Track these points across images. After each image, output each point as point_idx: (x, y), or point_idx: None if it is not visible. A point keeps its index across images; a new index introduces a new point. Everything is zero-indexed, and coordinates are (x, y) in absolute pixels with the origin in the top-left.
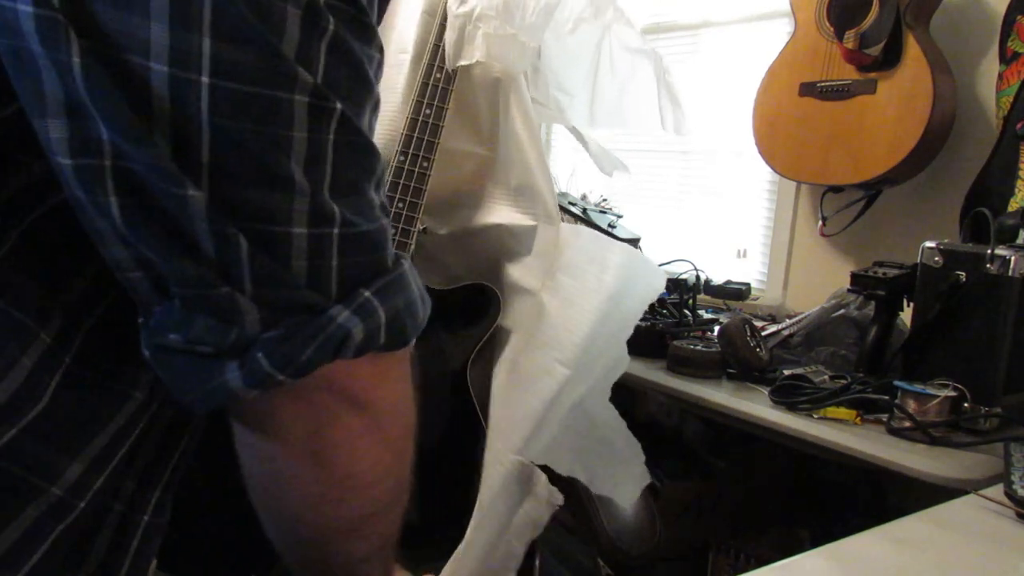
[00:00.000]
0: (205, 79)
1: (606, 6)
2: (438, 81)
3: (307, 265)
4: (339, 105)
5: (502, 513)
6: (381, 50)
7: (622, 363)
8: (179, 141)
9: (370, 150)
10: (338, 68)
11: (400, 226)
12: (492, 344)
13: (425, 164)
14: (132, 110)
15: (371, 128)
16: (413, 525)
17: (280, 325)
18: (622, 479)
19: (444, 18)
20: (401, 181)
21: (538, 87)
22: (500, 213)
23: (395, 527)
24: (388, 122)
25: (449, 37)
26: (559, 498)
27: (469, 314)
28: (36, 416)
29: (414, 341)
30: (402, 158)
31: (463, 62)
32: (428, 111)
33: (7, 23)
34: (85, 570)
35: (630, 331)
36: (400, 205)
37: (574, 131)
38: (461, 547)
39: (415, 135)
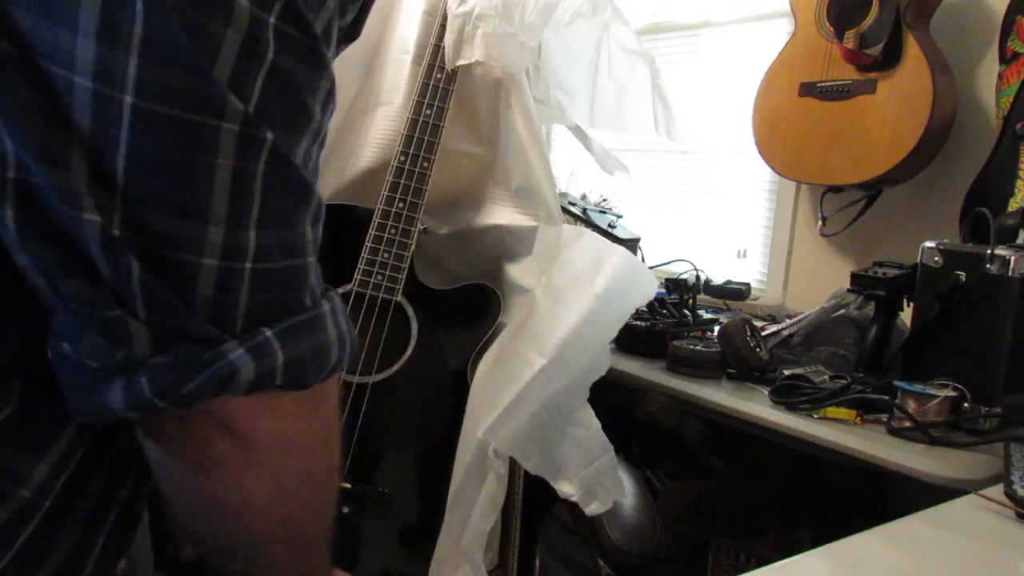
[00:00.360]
0: (128, 98)
1: (604, 4)
2: (439, 81)
3: (212, 296)
4: (270, 135)
5: (471, 494)
6: (332, 80)
7: (603, 364)
8: (95, 158)
9: (303, 183)
10: (276, 98)
11: (400, 226)
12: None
13: (426, 164)
14: (47, 125)
15: (309, 160)
16: (417, 525)
17: (170, 352)
18: (593, 487)
19: (444, 19)
20: (401, 181)
21: (539, 87)
22: (501, 214)
23: (297, 558)
24: (389, 122)
25: (448, 37)
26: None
27: (469, 314)
28: (4, 421)
29: (335, 381)
30: (402, 158)
31: (462, 62)
32: (428, 111)
33: None
34: (48, 568)
35: (614, 333)
36: (400, 205)
37: (576, 131)
38: (442, 530)
39: (415, 135)
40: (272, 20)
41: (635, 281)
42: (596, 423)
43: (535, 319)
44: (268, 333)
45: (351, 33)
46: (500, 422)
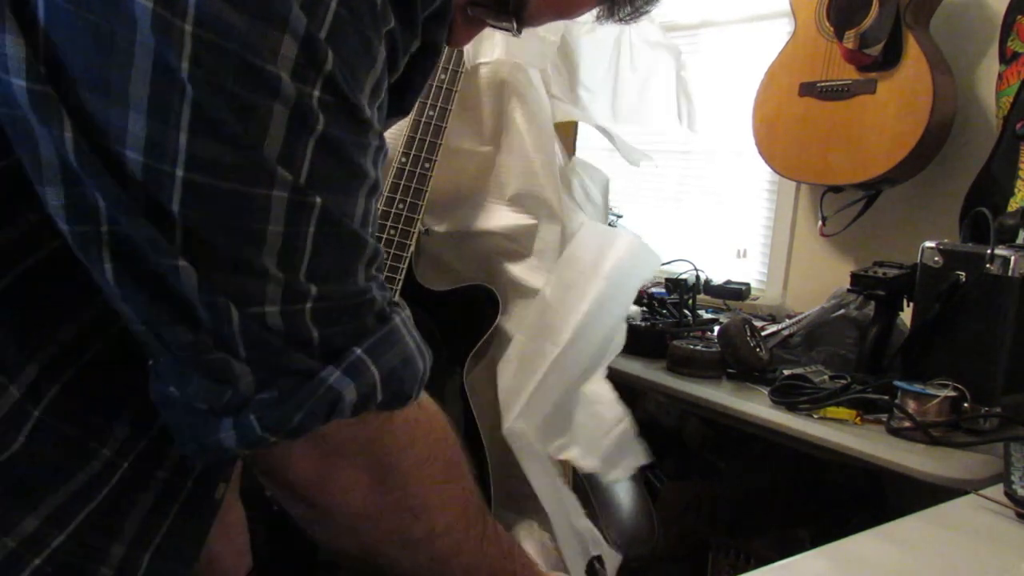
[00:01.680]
0: (180, 172)
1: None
2: (442, 82)
3: (285, 335)
4: (319, 200)
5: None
6: (380, 135)
7: (618, 343)
8: (157, 224)
9: (356, 238)
10: (326, 163)
11: (400, 227)
12: (490, 345)
13: (427, 165)
14: (119, 186)
15: (369, 215)
16: None
17: (274, 387)
18: (614, 460)
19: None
20: (402, 182)
21: (560, 84)
22: (502, 214)
23: (448, 542)
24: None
25: None
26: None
27: (468, 316)
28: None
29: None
30: (403, 159)
31: (482, 60)
32: (432, 112)
33: (4, 94)
34: (127, 529)
35: (627, 311)
36: (400, 206)
37: (598, 126)
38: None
39: (417, 136)
40: (316, 93)
41: (640, 258)
42: (610, 394)
43: (547, 315)
44: (359, 352)
45: (403, 107)
46: (522, 415)
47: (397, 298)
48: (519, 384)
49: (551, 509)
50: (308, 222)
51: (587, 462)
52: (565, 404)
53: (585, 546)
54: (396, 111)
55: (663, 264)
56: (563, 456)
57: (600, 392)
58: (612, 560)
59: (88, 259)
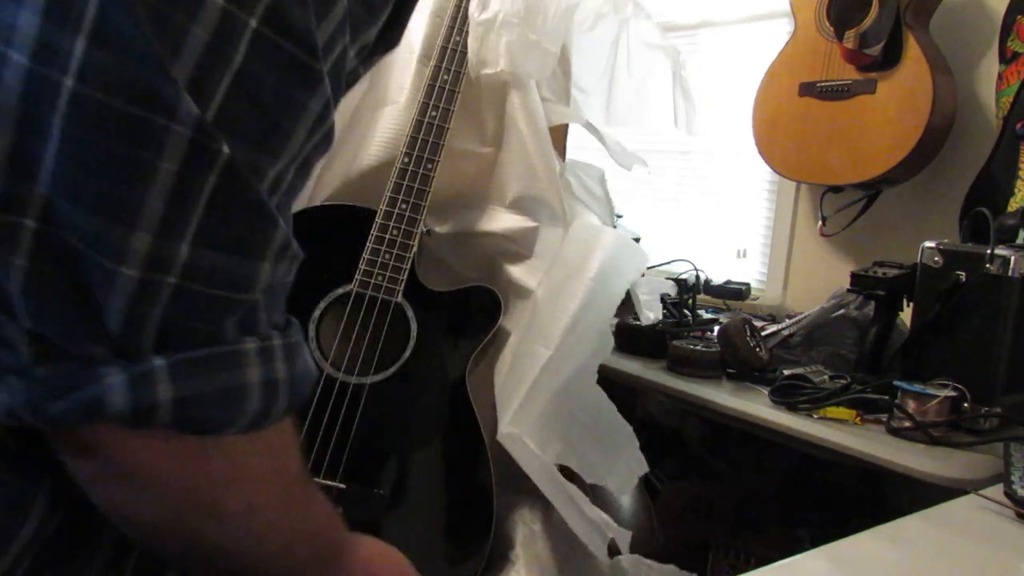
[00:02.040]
0: (69, 82)
1: (624, 2)
2: (444, 83)
3: (117, 308)
4: (226, 150)
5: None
6: (326, 103)
7: (606, 345)
8: (17, 144)
9: (264, 212)
10: (241, 109)
11: (403, 227)
12: (492, 347)
13: (429, 166)
14: None
15: (278, 188)
16: (413, 527)
17: (49, 365)
18: (615, 466)
19: (452, 20)
20: (404, 182)
21: (551, 86)
22: (503, 216)
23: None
24: (393, 122)
25: (472, 45)
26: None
27: (470, 317)
28: None
29: (276, 433)
30: (406, 159)
31: (487, 71)
32: (434, 113)
33: None
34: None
35: (613, 312)
36: (403, 206)
37: (589, 127)
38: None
39: (420, 137)
40: (252, 23)
41: (627, 257)
42: (610, 405)
43: (538, 316)
44: (157, 363)
45: (389, 40)
46: (516, 418)
47: (290, 319)
48: (512, 387)
49: (560, 505)
50: (207, 172)
51: (588, 474)
52: (562, 409)
53: (603, 533)
54: (381, 48)
55: (663, 264)
56: (563, 463)
57: (597, 402)
58: (624, 537)
59: None
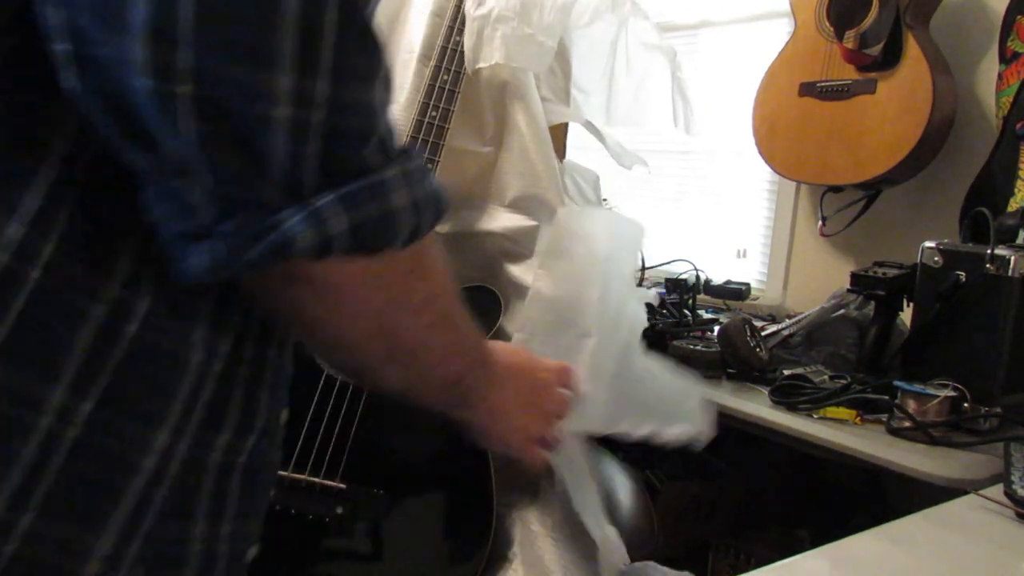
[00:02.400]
0: None
1: (622, 0)
2: (444, 83)
3: (280, 151)
4: None
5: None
6: None
7: (640, 316)
8: (155, 11)
9: (374, 38)
10: None
11: None
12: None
13: (429, 166)
14: None
15: (372, 18)
16: (414, 527)
17: (233, 219)
18: (694, 418)
19: (452, 20)
20: None
21: (553, 85)
22: (503, 215)
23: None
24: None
25: (467, 40)
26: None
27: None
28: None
29: (427, 244)
30: None
31: (482, 64)
32: (434, 113)
33: None
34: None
35: (634, 285)
36: None
37: (589, 127)
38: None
39: (420, 137)
40: None
41: (624, 232)
42: (668, 366)
43: (548, 308)
44: (326, 199)
45: None
46: (581, 412)
47: (405, 147)
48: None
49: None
50: (327, 4)
51: (671, 433)
52: (625, 391)
53: (620, 554)
54: None
55: (663, 264)
56: (656, 435)
57: (655, 368)
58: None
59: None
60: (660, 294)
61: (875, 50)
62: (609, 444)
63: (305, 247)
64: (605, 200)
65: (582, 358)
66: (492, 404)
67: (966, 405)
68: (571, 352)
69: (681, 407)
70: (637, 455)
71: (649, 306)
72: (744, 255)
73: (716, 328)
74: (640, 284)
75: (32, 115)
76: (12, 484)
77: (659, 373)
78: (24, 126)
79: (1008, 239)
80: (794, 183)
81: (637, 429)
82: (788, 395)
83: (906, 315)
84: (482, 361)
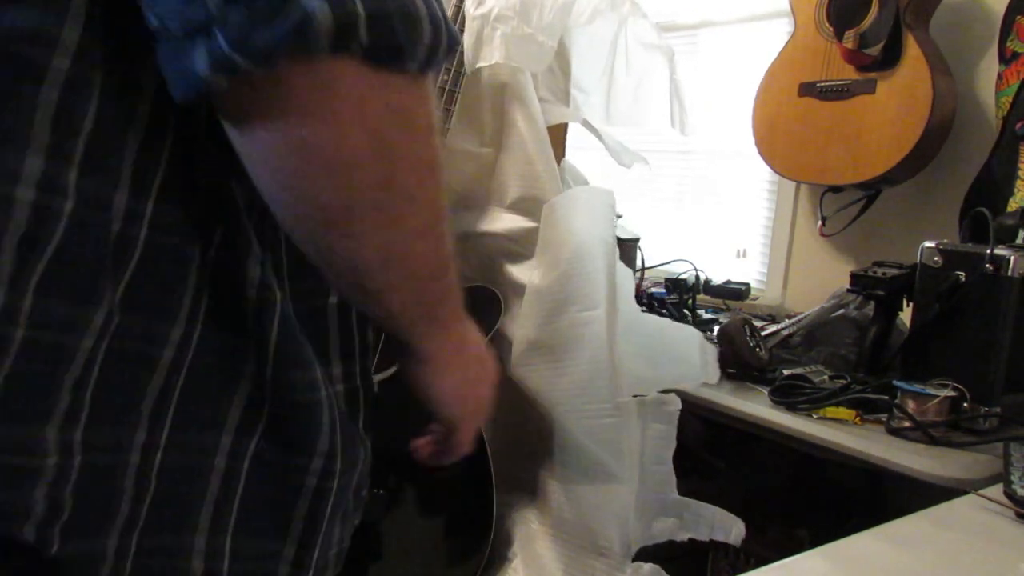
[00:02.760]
0: None
1: (622, 0)
2: (445, 83)
3: None
4: None
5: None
6: None
7: (629, 278)
8: None
9: None
10: None
11: None
12: (493, 347)
13: None
14: None
15: None
16: (414, 526)
17: (242, 2)
18: (699, 364)
19: (452, 20)
20: None
21: (550, 85)
22: (503, 216)
23: (399, 232)
24: None
25: (467, 39)
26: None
27: (472, 317)
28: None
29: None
30: None
31: (482, 63)
32: None
33: None
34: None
35: (616, 249)
36: None
37: (587, 126)
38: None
39: None
40: None
41: (593, 203)
42: (666, 320)
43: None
44: None
45: None
46: (623, 385)
47: None
48: (588, 360)
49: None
50: None
51: (686, 382)
52: (638, 349)
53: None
54: None
55: (663, 264)
56: (668, 387)
57: (661, 324)
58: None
59: None
60: (660, 294)
61: (875, 50)
62: None
63: (326, 26)
64: None
65: (593, 330)
66: (460, 339)
67: (966, 405)
68: (576, 327)
69: (687, 354)
70: None
71: (650, 306)
72: (744, 255)
73: (716, 328)
74: (640, 284)
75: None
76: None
77: (661, 326)
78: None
79: (1008, 239)
80: (794, 183)
81: (673, 383)
82: (788, 395)
83: (906, 315)
84: (457, 297)
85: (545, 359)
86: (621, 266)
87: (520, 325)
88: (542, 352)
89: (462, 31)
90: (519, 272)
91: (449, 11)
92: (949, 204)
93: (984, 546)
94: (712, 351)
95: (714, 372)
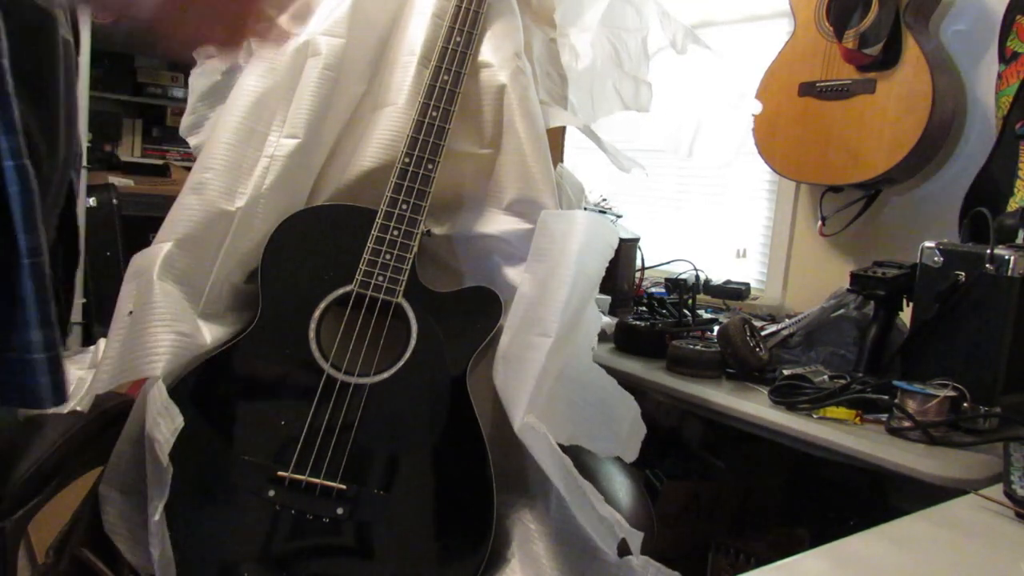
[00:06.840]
0: None
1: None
2: (445, 84)
3: None
4: None
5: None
6: None
7: (596, 321)
8: None
9: None
10: None
11: (403, 228)
12: (493, 348)
13: (430, 167)
14: None
15: None
16: (414, 528)
17: None
18: (622, 437)
19: (453, 21)
20: (405, 183)
21: (549, 89)
22: (501, 218)
23: None
24: (393, 123)
25: (577, 96)
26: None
27: (470, 317)
28: None
29: None
30: (407, 160)
31: (601, 117)
32: (435, 113)
33: None
34: None
35: (596, 290)
36: (404, 207)
37: (586, 131)
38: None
39: (420, 137)
40: None
41: (598, 234)
42: (610, 380)
43: (531, 308)
44: None
45: None
46: (530, 409)
47: None
48: (519, 381)
49: (572, 501)
50: None
51: (602, 447)
52: (567, 392)
53: (614, 531)
54: None
55: (663, 264)
56: (575, 443)
57: (598, 380)
58: (635, 538)
59: None
60: (660, 294)
61: (875, 50)
62: None
63: None
64: (604, 200)
65: (536, 356)
66: None
67: (966, 405)
68: (528, 350)
69: (614, 421)
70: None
71: (649, 306)
72: (744, 255)
73: (716, 328)
74: (639, 284)
75: None
76: None
77: (603, 383)
78: None
79: (1007, 239)
80: (794, 183)
81: (574, 440)
82: (788, 395)
83: (906, 315)
84: None
85: (506, 370)
86: (593, 307)
87: (507, 327)
88: (508, 361)
89: (464, 30)
90: (515, 274)
91: (450, 11)
92: (949, 204)
93: (984, 546)
94: (641, 432)
95: (632, 452)
